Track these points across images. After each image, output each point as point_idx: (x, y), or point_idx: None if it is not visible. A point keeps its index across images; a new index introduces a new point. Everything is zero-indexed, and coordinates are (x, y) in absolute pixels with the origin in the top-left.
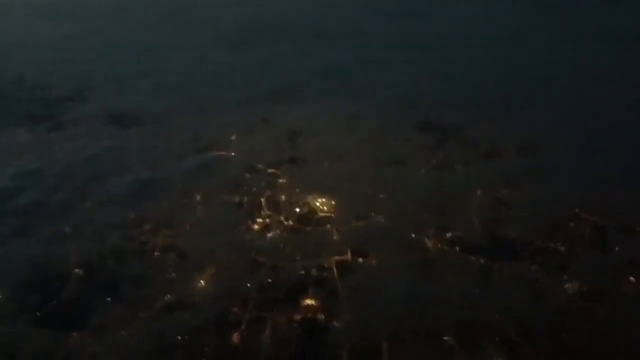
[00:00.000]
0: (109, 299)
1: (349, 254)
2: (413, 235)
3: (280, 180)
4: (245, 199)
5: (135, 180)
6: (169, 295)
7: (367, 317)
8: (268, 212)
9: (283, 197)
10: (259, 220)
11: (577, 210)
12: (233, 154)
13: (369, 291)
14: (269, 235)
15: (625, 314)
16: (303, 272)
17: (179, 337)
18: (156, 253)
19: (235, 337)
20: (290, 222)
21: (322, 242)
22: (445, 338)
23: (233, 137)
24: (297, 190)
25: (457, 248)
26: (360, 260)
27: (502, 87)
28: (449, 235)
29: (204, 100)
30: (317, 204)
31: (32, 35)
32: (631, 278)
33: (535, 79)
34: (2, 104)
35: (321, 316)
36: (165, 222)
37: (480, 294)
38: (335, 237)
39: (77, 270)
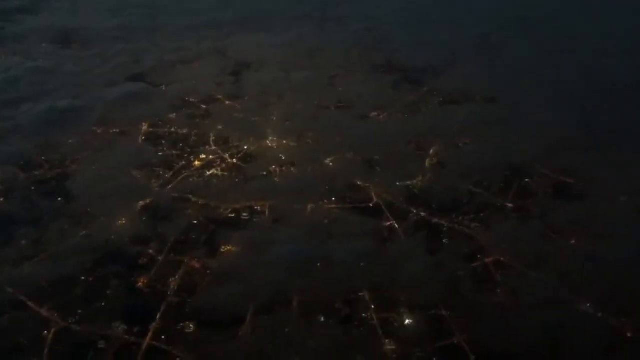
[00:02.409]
0: None
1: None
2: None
3: (207, 122)
4: (164, 142)
5: (50, 108)
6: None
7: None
8: (184, 155)
9: (207, 138)
10: (172, 164)
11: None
12: (167, 84)
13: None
14: (178, 179)
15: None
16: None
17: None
18: (46, 192)
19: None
20: (205, 168)
21: (223, 189)
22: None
23: (175, 66)
24: (224, 131)
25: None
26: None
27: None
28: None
29: (162, 22)
30: (244, 147)
31: None
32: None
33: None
34: None
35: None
36: (63, 159)
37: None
38: (240, 187)
39: None
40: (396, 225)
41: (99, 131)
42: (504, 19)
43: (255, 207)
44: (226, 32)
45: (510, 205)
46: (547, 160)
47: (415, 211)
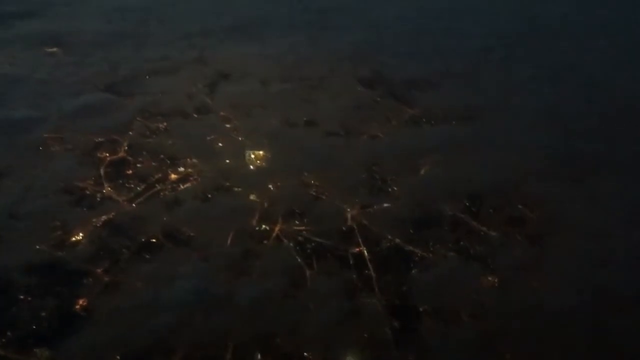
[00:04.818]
0: None
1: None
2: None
3: (159, 138)
4: (102, 159)
5: (7, 118)
6: None
7: None
8: (121, 174)
9: (153, 155)
10: (102, 185)
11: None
12: (134, 96)
13: None
14: (103, 204)
15: None
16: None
17: None
18: None
19: None
20: (139, 199)
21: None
22: None
23: (151, 76)
24: (171, 149)
25: None
26: None
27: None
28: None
29: (154, 29)
30: (186, 168)
31: None
32: None
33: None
34: None
35: None
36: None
37: None
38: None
39: None
40: (315, 264)
41: (40, 144)
42: (513, 33)
43: (177, 235)
44: (217, 40)
45: (449, 243)
46: (507, 191)
47: (343, 248)
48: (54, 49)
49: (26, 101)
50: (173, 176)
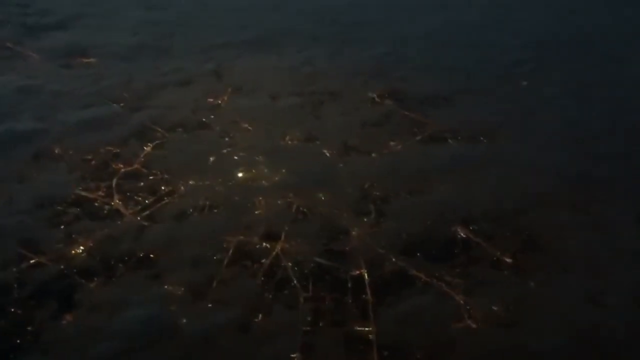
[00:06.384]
0: None
1: None
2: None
3: (156, 153)
4: (93, 175)
5: (8, 131)
6: None
7: None
8: (109, 191)
9: (146, 171)
10: (80, 203)
11: None
12: (141, 109)
13: None
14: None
15: None
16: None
17: None
18: None
19: None
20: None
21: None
22: None
23: (162, 89)
24: (164, 164)
25: None
26: None
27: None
28: None
29: (177, 41)
30: (170, 186)
31: None
32: None
33: None
34: None
35: None
36: None
37: None
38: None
39: None
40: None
41: (34, 156)
42: (545, 47)
43: (140, 258)
44: (236, 53)
45: (421, 279)
46: (505, 217)
47: (309, 285)
48: (74, 62)
49: (33, 113)
50: (153, 194)
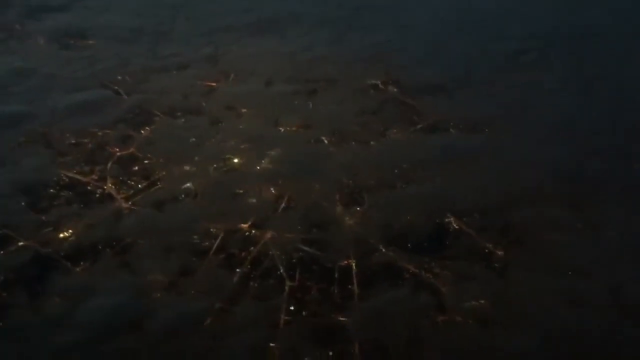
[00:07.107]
0: None
1: None
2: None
3: (142, 139)
4: (77, 160)
5: None
6: None
7: None
8: (90, 175)
9: (131, 158)
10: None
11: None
12: (132, 94)
13: None
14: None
15: None
16: None
17: None
18: None
19: None
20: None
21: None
22: None
23: (155, 74)
24: (149, 150)
25: None
26: None
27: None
28: None
29: (178, 25)
30: (154, 172)
31: None
32: None
33: None
34: None
35: None
36: None
37: None
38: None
39: None
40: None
41: (18, 140)
42: (551, 37)
43: (114, 246)
44: (236, 37)
45: (409, 271)
46: (492, 212)
47: (296, 274)
48: (72, 43)
49: (23, 96)
50: (139, 181)
